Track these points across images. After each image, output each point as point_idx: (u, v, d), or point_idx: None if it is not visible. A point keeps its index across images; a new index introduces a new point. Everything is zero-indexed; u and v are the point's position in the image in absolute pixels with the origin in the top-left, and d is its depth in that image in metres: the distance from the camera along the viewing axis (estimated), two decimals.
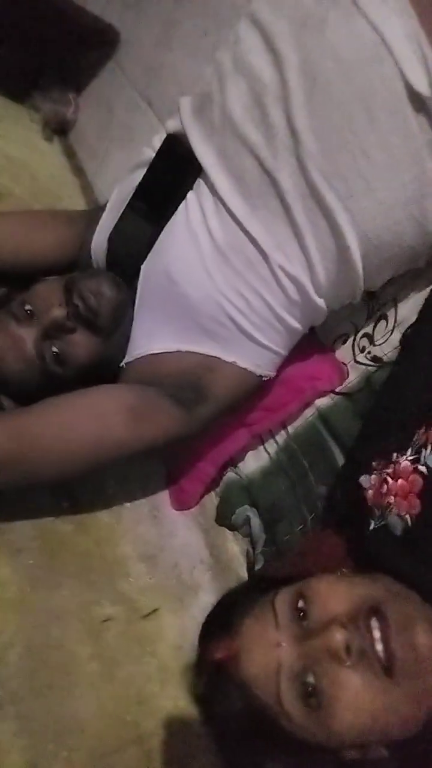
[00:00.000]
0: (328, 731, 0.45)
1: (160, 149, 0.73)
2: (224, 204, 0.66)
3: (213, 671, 0.52)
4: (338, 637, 0.44)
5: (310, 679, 0.46)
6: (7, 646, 0.58)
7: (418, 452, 0.53)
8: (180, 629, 0.73)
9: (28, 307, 0.73)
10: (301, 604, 0.49)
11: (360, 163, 0.59)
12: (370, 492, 0.56)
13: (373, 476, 0.57)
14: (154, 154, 0.74)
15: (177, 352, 0.72)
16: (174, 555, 0.82)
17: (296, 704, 0.46)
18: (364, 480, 0.58)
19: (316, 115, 0.59)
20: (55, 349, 0.72)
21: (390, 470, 0.55)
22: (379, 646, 0.45)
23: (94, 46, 1.47)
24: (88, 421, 0.65)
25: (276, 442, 0.88)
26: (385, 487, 0.54)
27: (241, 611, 0.53)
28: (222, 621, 0.55)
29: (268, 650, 0.48)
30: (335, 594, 0.49)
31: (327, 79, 0.58)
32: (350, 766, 0.47)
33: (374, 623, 0.45)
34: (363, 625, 0.45)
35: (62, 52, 1.49)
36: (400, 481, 0.53)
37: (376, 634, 0.45)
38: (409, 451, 0.54)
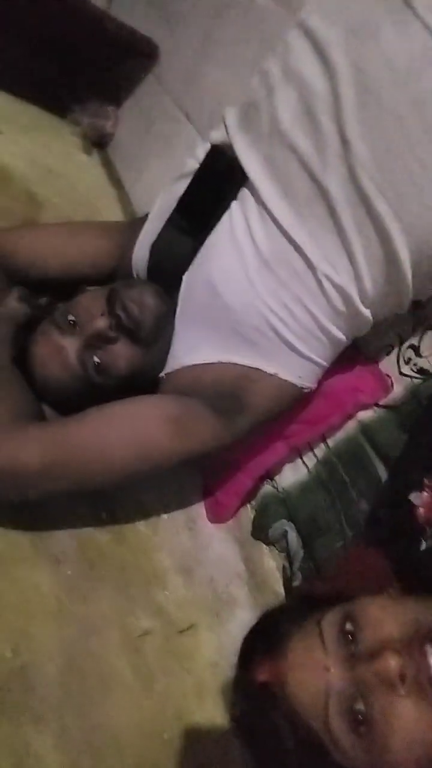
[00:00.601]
0: (379, 761, 0.43)
1: (204, 160, 0.73)
2: (270, 213, 0.65)
3: (256, 693, 0.50)
4: (392, 664, 0.42)
5: (361, 706, 0.44)
6: (48, 659, 0.58)
7: None
8: (217, 645, 0.71)
9: (71, 317, 0.73)
10: (349, 626, 0.47)
11: (413, 170, 0.57)
12: (422, 510, 0.54)
13: (425, 493, 0.55)
14: (197, 165, 0.74)
15: (218, 363, 0.71)
16: (210, 568, 0.81)
17: (346, 731, 0.44)
18: (415, 497, 0.56)
19: (368, 123, 0.58)
20: (96, 359, 0.72)
21: None
22: None
23: (133, 59, 1.50)
24: (129, 432, 0.65)
25: (315, 456, 0.86)
26: None
27: (285, 632, 0.51)
28: (265, 641, 0.53)
29: (316, 674, 0.46)
30: (386, 617, 0.47)
31: (380, 86, 0.57)
32: None
33: (430, 650, 0.43)
34: (418, 652, 0.43)
35: (101, 65, 1.52)
36: None
37: None
38: None
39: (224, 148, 0.71)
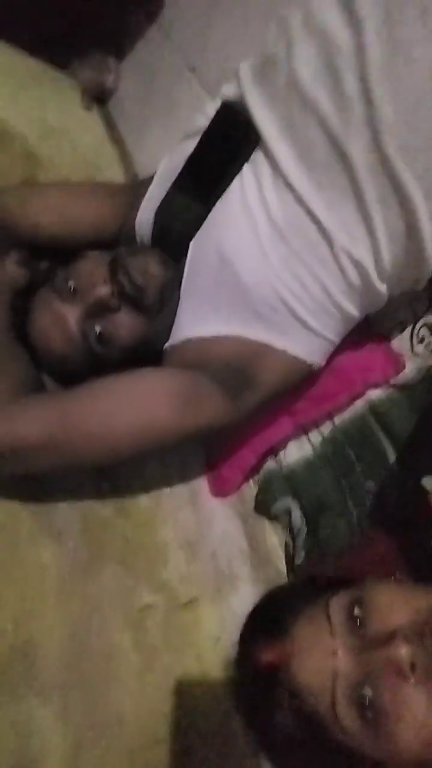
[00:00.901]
0: (387, 748, 0.43)
1: (214, 117, 0.68)
2: (285, 179, 0.61)
3: (259, 674, 0.50)
4: (403, 651, 0.42)
5: (369, 692, 0.43)
6: (49, 632, 0.57)
7: None
8: (219, 620, 0.71)
9: (71, 283, 0.70)
10: (358, 611, 0.46)
11: None
12: None
13: None
14: (206, 123, 0.69)
15: (225, 336, 0.69)
16: (212, 543, 0.80)
17: (353, 717, 0.43)
18: (428, 482, 0.54)
19: (396, 82, 0.53)
20: (98, 329, 0.70)
21: None
22: None
23: (138, 9, 1.41)
24: (133, 406, 0.63)
25: (320, 433, 0.85)
26: None
27: (290, 613, 0.51)
28: (269, 622, 0.53)
29: (323, 658, 0.45)
30: (396, 604, 0.46)
31: (410, 43, 0.52)
32: None
33: None
34: (428, 641, 0.42)
35: (103, 15, 1.43)
36: None
37: None
38: None
39: (237, 105, 0.66)
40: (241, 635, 0.58)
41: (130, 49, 1.50)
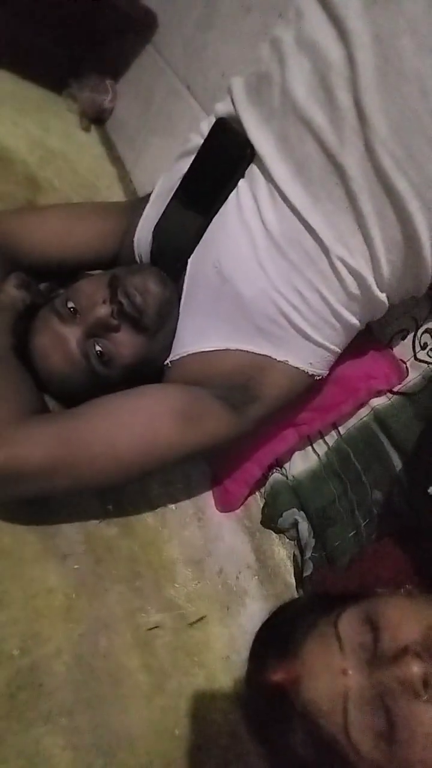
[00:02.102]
0: None
1: (209, 134, 0.68)
2: (281, 192, 0.61)
3: (270, 696, 0.49)
4: (415, 669, 0.41)
5: (382, 712, 0.42)
6: (56, 656, 0.57)
7: None
8: (228, 638, 0.70)
9: (71, 304, 0.70)
10: (368, 628, 0.45)
11: None
12: None
13: None
14: (201, 141, 0.70)
15: (226, 350, 0.69)
16: (219, 560, 0.79)
17: (367, 738, 0.42)
18: None
19: (388, 95, 0.54)
20: (99, 348, 0.70)
21: None
22: None
23: (131, 30, 1.43)
24: (137, 425, 0.63)
25: (326, 443, 0.84)
26: None
27: (299, 631, 0.50)
28: (279, 640, 0.52)
29: (333, 677, 0.44)
30: (406, 618, 0.45)
31: (401, 56, 0.53)
32: None
33: None
34: None
35: (98, 38, 1.46)
36: None
37: None
38: None
39: (231, 121, 0.66)
40: (251, 654, 0.57)
41: (126, 70, 1.53)
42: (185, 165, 0.70)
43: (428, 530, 0.52)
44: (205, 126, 0.70)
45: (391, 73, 0.54)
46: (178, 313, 0.73)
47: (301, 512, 0.85)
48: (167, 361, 0.75)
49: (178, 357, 0.73)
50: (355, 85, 0.55)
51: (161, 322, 0.71)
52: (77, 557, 0.66)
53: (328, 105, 0.57)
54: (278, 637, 0.53)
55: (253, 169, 0.65)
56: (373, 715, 0.42)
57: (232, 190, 0.66)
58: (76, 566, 0.65)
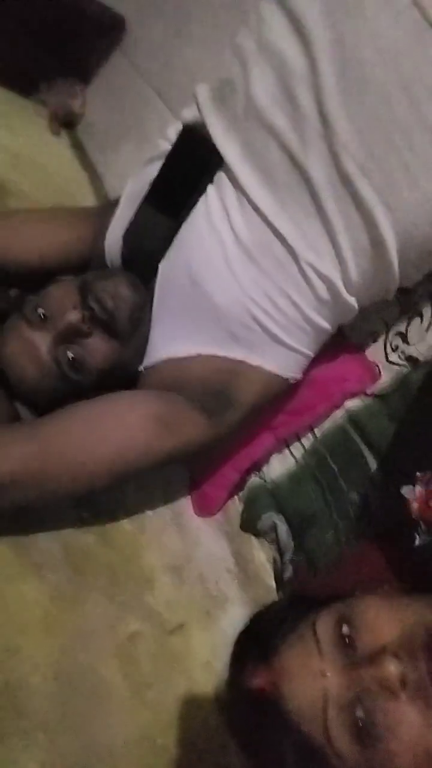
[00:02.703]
0: None
1: (177, 140, 0.68)
2: (249, 199, 0.62)
3: (250, 700, 0.49)
4: (392, 668, 0.41)
5: (360, 712, 0.42)
6: (34, 672, 0.55)
7: None
8: (209, 644, 0.70)
9: (41, 310, 0.69)
10: (345, 629, 0.46)
11: (401, 151, 0.54)
12: (415, 504, 0.53)
13: (418, 487, 0.53)
14: (169, 146, 0.70)
15: (199, 356, 0.69)
16: (199, 565, 0.79)
17: (347, 740, 0.42)
18: (407, 491, 0.54)
19: (351, 101, 0.55)
20: (71, 355, 0.69)
21: None
22: None
23: (101, 35, 1.43)
24: (112, 433, 0.62)
25: (302, 446, 0.85)
26: None
27: (278, 634, 0.50)
28: (257, 644, 0.52)
29: (312, 680, 0.45)
30: (384, 619, 0.45)
31: (364, 64, 0.54)
32: None
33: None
34: (419, 655, 0.42)
35: (68, 42, 1.45)
36: None
37: None
38: None
39: (197, 127, 0.66)
40: (231, 659, 0.57)
41: (95, 74, 1.52)
42: (154, 169, 0.70)
43: (402, 530, 0.53)
44: (172, 132, 0.70)
45: (353, 80, 0.54)
46: (151, 317, 0.72)
47: (280, 515, 0.85)
48: (141, 367, 0.74)
49: (152, 363, 0.72)
50: (317, 91, 0.56)
51: (133, 327, 0.71)
52: (53, 568, 0.65)
53: (291, 110, 0.58)
54: (258, 640, 0.53)
55: (221, 176, 0.65)
56: (352, 716, 0.42)
57: (201, 196, 0.66)
58: (53, 578, 0.64)
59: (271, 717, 0.47)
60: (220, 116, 0.64)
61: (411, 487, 0.54)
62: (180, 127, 0.69)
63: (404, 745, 0.40)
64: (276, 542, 0.85)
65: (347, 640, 0.45)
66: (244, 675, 0.50)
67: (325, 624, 0.47)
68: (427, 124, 0.53)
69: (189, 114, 0.69)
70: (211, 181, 0.66)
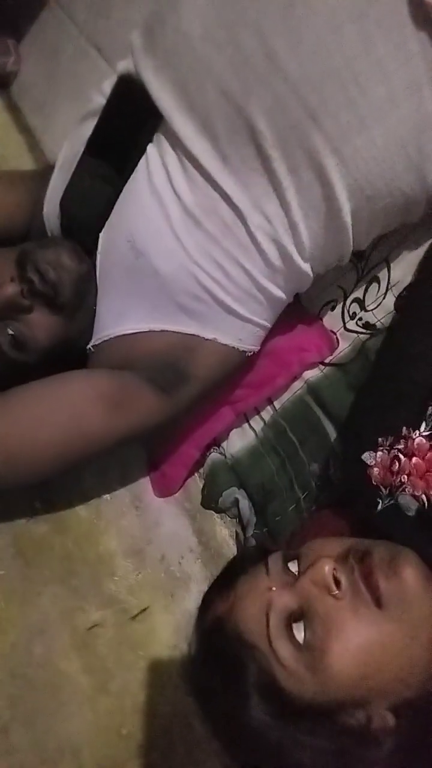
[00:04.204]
0: (323, 675, 0.41)
1: (111, 94, 0.62)
2: (189, 155, 0.56)
3: (208, 631, 0.49)
4: (326, 568, 0.43)
5: (298, 616, 0.43)
6: None
7: None
8: (173, 626, 0.68)
9: None
10: (293, 566, 0.47)
11: (352, 94, 0.50)
12: (377, 470, 0.52)
13: (379, 453, 0.52)
14: (104, 101, 0.64)
15: (150, 331, 0.64)
16: (161, 546, 0.77)
17: (287, 646, 0.43)
18: (368, 457, 0.53)
19: (296, 31, 0.49)
20: (10, 332, 0.64)
21: (401, 447, 0.50)
22: (369, 579, 0.43)
23: None
24: (60, 415, 0.58)
25: (262, 419, 0.83)
26: (397, 465, 0.50)
27: (236, 573, 0.50)
28: (219, 586, 0.51)
29: (258, 596, 0.45)
30: (327, 544, 0.47)
31: None
32: (352, 741, 0.43)
33: (364, 561, 0.44)
34: (352, 562, 0.44)
35: None
36: (414, 459, 0.49)
37: (366, 568, 0.43)
38: (423, 425, 0.49)
39: (133, 77, 0.60)
40: (198, 610, 0.56)
41: (28, 30, 1.40)
42: (89, 127, 0.64)
43: (361, 495, 0.52)
44: (107, 85, 0.64)
45: (298, 4, 0.49)
46: (97, 290, 0.67)
47: (242, 490, 0.83)
48: (89, 346, 0.69)
49: (100, 341, 0.68)
50: (258, 23, 0.50)
51: (78, 300, 0.66)
52: (4, 562, 0.62)
53: (228, 45, 0.51)
54: (219, 584, 0.52)
55: (160, 133, 0.59)
56: (290, 621, 0.43)
57: (140, 156, 0.60)
58: (2, 572, 0.60)
59: (226, 640, 0.46)
60: (152, 57, 0.57)
61: (372, 452, 0.53)
62: (115, 79, 0.63)
63: (339, 642, 0.41)
64: (238, 517, 0.83)
65: (295, 566, 0.46)
66: (205, 613, 0.50)
67: (276, 556, 0.48)
68: (377, 61, 0.49)
69: (124, 64, 0.63)
70: (150, 139, 0.60)
